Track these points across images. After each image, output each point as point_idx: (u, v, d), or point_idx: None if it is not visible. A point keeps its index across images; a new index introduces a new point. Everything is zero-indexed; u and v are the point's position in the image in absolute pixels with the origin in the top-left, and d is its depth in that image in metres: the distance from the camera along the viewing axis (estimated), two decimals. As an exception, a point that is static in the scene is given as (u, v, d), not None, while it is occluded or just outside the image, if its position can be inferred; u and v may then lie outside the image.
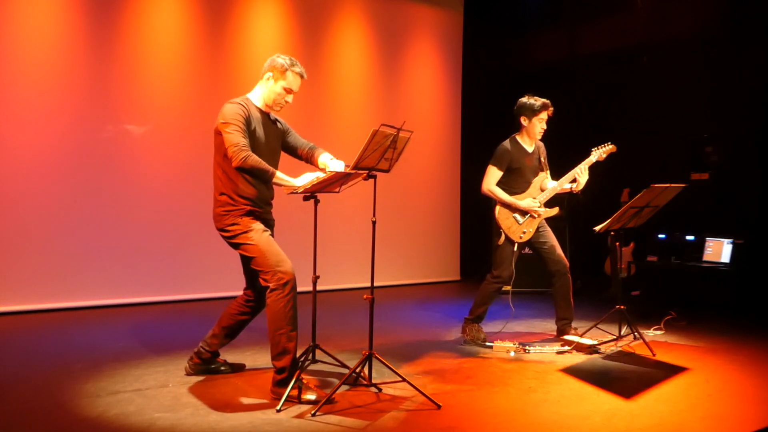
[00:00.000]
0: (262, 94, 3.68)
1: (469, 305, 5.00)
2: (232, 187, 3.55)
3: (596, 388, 3.74)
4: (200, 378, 3.83)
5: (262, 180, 3.54)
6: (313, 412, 3.22)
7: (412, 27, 8.20)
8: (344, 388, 3.59)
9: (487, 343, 4.72)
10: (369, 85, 7.86)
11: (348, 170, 3.48)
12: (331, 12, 7.54)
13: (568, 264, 4.90)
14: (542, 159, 4.98)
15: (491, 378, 3.94)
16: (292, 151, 3.86)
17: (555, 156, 5.23)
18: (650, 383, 3.85)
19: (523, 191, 4.87)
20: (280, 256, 3.48)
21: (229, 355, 4.08)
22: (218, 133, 3.54)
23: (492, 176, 4.84)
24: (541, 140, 5.00)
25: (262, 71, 3.67)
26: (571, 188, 4.86)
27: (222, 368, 3.94)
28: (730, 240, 6.34)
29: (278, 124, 3.80)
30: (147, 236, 6.33)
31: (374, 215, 3.57)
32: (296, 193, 3.47)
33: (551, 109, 4.86)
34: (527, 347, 4.61)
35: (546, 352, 4.54)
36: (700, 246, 6.56)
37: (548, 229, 4.93)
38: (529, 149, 4.92)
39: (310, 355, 3.80)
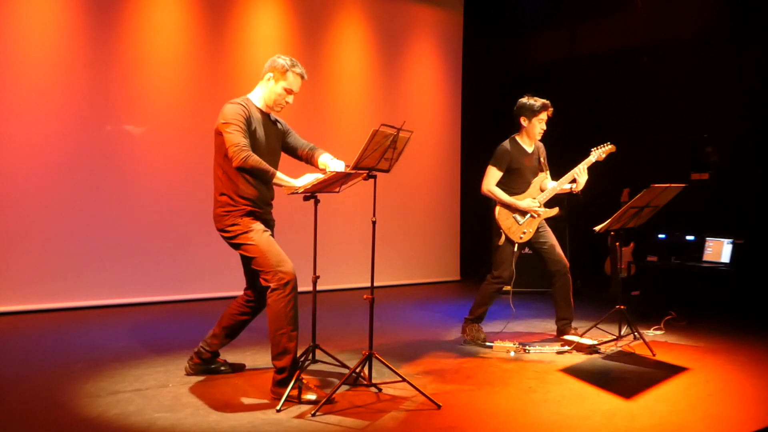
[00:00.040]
0: (262, 94, 3.68)
1: (469, 305, 5.00)
2: (232, 188, 3.55)
3: (596, 388, 3.74)
4: (200, 378, 3.83)
5: (263, 180, 3.54)
6: (313, 412, 3.23)
7: (412, 27, 8.20)
8: (344, 388, 3.60)
9: (487, 343, 4.72)
10: (369, 85, 7.86)
11: (348, 170, 3.48)
12: (331, 12, 7.54)
13: (568, 264, 4.90)
14: (542, 159, 4.98)
15: (491, 378, 3.94)
16: (292, 151, 3.87)
17: (555, 156, 5.23)
18: (650, 383, 3.85)
19: (523, 192, 4.87)
20: (280, 256, 3.48)
21: (229, 355, 4.08)
22: (219, 134, 3.54)
23: (492, 177, 4.84)
24: (540, 141, 5.01)
25: (263, 72, 3.67)
26: (570, 189, 4.87)
27: (222, 368, 3.94)
28: (730, 240, 6.34)
29: (278, 124, 3.80)
30: (147, 236, 6.33)
31: (374, 215, 3.57)
32: (296, 193, 3.48)
33: (551, 109, 4.86)
34: (527, 347, 4.61)
35: (546, 352, 4.54)
36: (700, 246, 6.56)
37: (548, 229, 4.93)
38: (529, 150, 4.92)
39: (310, 355, 3.80)
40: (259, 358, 4.26)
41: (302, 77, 3.67)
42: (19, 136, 5.76)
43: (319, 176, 3.45)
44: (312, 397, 3.39)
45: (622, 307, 4.74)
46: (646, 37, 7.58)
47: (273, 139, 3.72)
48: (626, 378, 4.02)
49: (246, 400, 3.47)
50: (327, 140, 6.41)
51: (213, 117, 3.64)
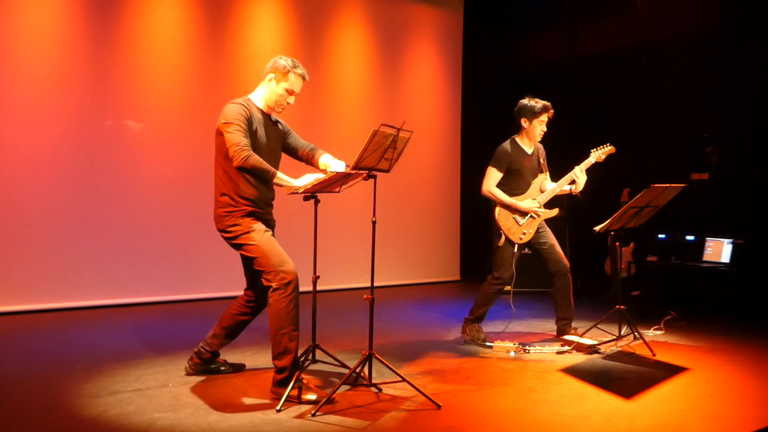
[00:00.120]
0: (263, 95, 3.68)
1: (469, 305, 5.00)
2: (233, 188, 3.55)
3: (596, 388, 3.74)
4: (200, 378, 3.83)
5: (263, 180, 3.55)
6: (313, 412, 3.23)
7: (412, 27, 8.20)
8: (344, 388, 3.60)
9: (487, 343, 4.72)
10: (369, 85, 7.86)
11: (348, 170, 3.48)
12: (331, 12, 7.54)
13: (568, 264, 4.90)
14: (541, 160, 4.98)
15: (491, 378, 3.94)
16: (293, 152, 3.87)
17: (555, 156, 5.23)
18: (650, 383, 3.85)
19: (523, 192, 4.87)
20: (282, 256, 3.48)
21: (229, 355, 4.09)
22: (219, 134, 3.54)
23: (492, 178, 4.84)
24: (540, 141, 5.01)
25: (264, 72, 3.67)
26: (570, 189, 4.87)
27: (222, 368, 3.94)
28: (730, 240, 6.34)
29: (279, 125, 3.80)
30: (147, 236, 6.33)
31: (374, 215, 3.57)
32: (297, 193, 3.48)
33: (552, 111, 4.86)
34: (527, 347, 4.61)
35: (546, 352, 4.55)
36: (700, 246, 6.56)
37: (548, 229, 4.93)
38: (529, 151, 4.92)
39: (310, 355, 3.81)
40: (259, 358, 4.26)
41: (304, 78, 3.68)
42: (19, 136, 5.76)
43: (320, 176, 3.46)
44: (312, 397, 3.40)
45: (622, 307, 4.74)
46: (646, 37, 7.58)
47: (274, 139, 3.72)
48: (626, 378, 4.02)
49: (246, 400, 3.47)
50: (327, 140, 6.41)
51: (213, 117, 3.64)
